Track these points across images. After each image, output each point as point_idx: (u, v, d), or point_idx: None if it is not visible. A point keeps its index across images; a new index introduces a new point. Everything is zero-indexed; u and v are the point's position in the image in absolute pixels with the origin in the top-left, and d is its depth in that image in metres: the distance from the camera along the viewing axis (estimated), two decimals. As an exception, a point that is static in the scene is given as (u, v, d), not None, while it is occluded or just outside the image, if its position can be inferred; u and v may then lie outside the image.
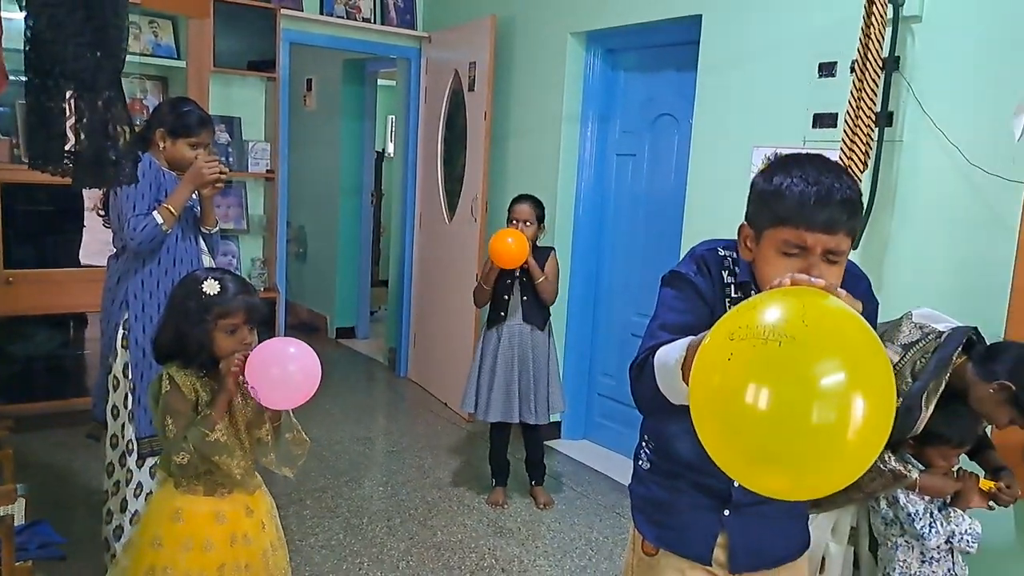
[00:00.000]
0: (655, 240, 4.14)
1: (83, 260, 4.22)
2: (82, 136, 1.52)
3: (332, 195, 6.81)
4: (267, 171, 4.98)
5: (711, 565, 1.64)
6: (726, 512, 1.62)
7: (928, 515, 2.11)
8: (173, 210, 2.71)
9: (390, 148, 8.79)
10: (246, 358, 1.87)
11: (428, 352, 5.48)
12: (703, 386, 1.12)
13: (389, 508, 3.68)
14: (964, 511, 2.14)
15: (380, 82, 7.02)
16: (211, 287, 1.93)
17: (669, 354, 1.33)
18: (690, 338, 1.31)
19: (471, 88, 4.87)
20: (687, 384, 1.28)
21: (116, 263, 2.82)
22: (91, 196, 4.10)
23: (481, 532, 3.49)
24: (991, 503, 2.17)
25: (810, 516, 2.26)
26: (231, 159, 4.90)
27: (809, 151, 1.45)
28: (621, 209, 4.45)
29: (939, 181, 2.86)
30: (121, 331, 2.75)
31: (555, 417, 4.51)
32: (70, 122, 1.52)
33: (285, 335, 3.98)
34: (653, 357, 1.37)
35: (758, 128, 3.43)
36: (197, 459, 1.91)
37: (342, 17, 5.27)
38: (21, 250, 4.07)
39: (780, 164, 1.44)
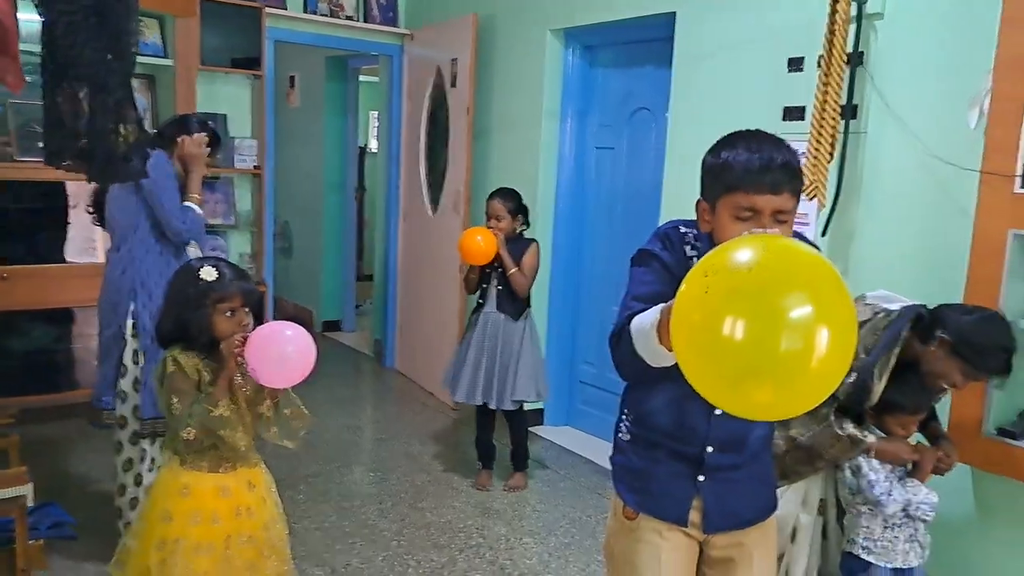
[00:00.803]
0: (634, 231, 4.27)
1: (68, 257, 4.31)
2: (95, 134, 1.63)
3: (316, 191, 6.90)
4: (254, 167, 5.07)
5: (687, 527, 1.78)
6: (700, 478, 1.75)
7: (888, 483, 2.25)
8: (199, 196, 2.96)
9: (372, 144, 8.87)
10: (245, 339, 2.00)
11: (414, 343, 5.59)
12: (684, 320, 1.25)
13: (380, 492, 3.80)
14: (923, 482, 2.29)
15: (362, 78, 7.11)
16: (208, 274, 2.06)
17: (644, 319, 1.48)
18: (662, 304, 1.44)
19: (453, 84, 4.98)
20: (663, 345, 1.42)
21: (117, 255, 2.93)
22: (75, 195, 4.20)
23: (469, 513, 3.61)
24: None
25: (780, 488, 2.41)
26: (219, 156, 4.97)
27: (750, 128, 1.61)
28: (600, 201, 4.58)
29: (901, 170, 3.00)
30: (130, 320, 2.87)
31: (536, 404, 4.65)
32: (83, 121, 1.62)
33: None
34: (629, 325, 1.51)
35: (731, 121, 3.49)
36: (202, 435, 2.04)
37: (325, 15, 5.36)
38: (14, 246, 4.15)
39: (724, 141, 1.59)
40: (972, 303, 2.59)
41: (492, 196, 3.80)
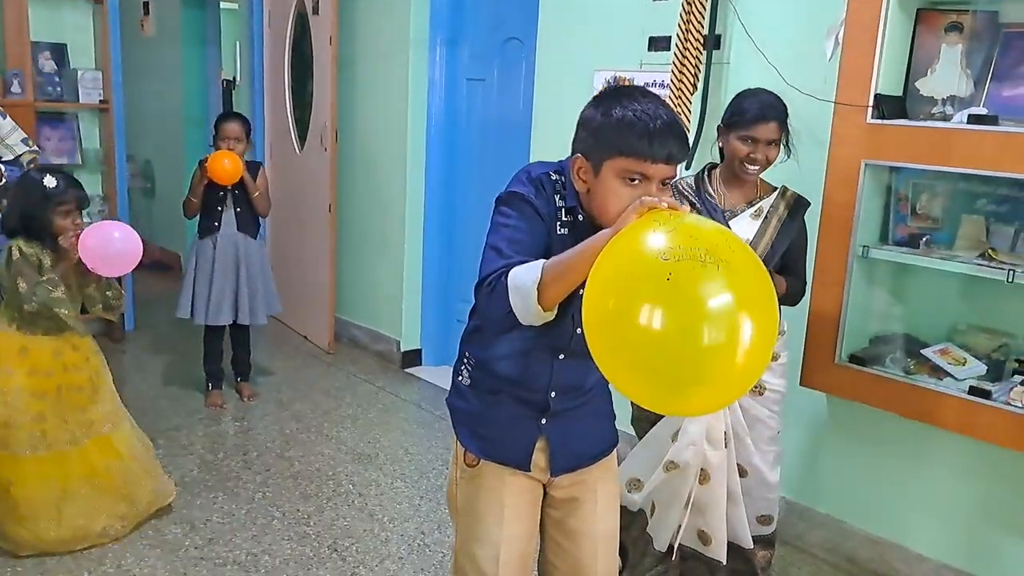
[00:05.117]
0: (505, 164, 4.14)
1: None
2: None
3: (177, 126, 6.48)
4: (100, 101, 4.68)
5: (531, 470, 1.73)
6: (543, 420, 1.71)
7: None
8: None
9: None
10: (78, 235, 2.55)
11: (284, 285, 5.34)
12: (628, 303, 1.18)
13: (245, 443, 3.66)
14: None
15: (223, 5, 6.66)
16: (49, 182, 2.60)
17: (525, 276, 1.39)
18: (543, 261, 1.38)
19: (315, 11, 4.70)
20: (541, 305, 1.37)
21: None
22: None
23: (339, 460, 3.52)
24: None
25: (683, 425, 2.36)
26: (60, 89, 4.59)
27: (632, 84, 1.52)
28: (472, 134, 4.45)
29: (762, 101, 2.99)
30: None
31: (413, 345, 4.56)
32: None
33: (135, 274, 3.94)
34: (506, 277, 1.41)
35: (598, 52, 3.48)
36: (42, 309, 2.57)
37: (174, -66, 4.96)
38: None
39: (612, 97, 1.48)
40: (828, 230, 2.64)
41: (228, 119, 3.88)
